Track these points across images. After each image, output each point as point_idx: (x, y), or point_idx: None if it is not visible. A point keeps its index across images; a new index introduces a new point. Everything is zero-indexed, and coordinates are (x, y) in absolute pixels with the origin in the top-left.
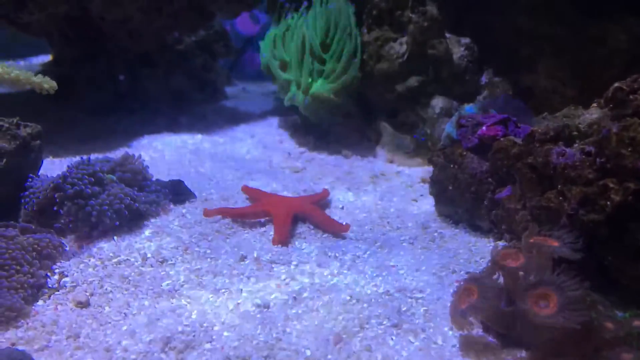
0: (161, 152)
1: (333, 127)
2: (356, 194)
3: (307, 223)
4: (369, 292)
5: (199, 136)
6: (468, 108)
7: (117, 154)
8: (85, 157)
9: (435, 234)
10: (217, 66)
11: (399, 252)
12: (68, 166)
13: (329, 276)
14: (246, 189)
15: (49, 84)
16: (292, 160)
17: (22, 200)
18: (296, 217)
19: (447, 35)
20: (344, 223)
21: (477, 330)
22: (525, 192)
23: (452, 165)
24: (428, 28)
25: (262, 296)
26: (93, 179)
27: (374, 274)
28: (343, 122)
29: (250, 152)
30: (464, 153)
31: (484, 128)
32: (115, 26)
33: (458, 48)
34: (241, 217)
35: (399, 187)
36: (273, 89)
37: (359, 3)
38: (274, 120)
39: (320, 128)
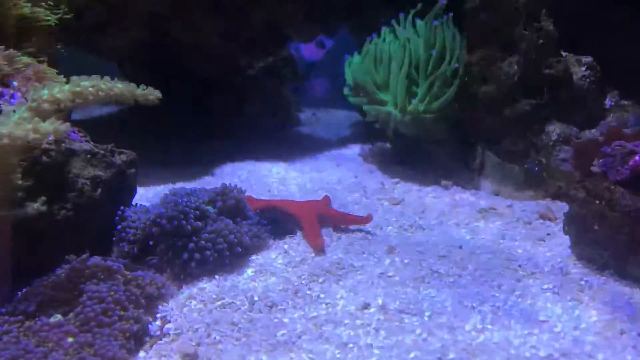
0: (247, 182)
1: (428, 154)
2: (470, 231)
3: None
4: (527, 354)
5: (282, 164)
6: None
7: (201, 182)
8: (181, 186)
9: (583, 283)
10: (287, 91)
11: (546, 304)
12: (166, 196)
13: (473, 332)
14: (251, 200)
15: (154, 94)
16: (387, 191)
17: (117, 235)
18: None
19: (564, 53)
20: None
21: None
22: None
23: (597, 202)
24: (543, 45)
25: (399, 354)
26: (197, 212)
27: (525, 331)
28: (438, 150)
29: (341, 182)
30: (612, 187)
31: (637, 157)
32: (190, 51)
33: (578, 67)
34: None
35: (516, 224)
36: (344, 116)
37: (458, 20)
38: (357, 148)
39: (412, 155)
